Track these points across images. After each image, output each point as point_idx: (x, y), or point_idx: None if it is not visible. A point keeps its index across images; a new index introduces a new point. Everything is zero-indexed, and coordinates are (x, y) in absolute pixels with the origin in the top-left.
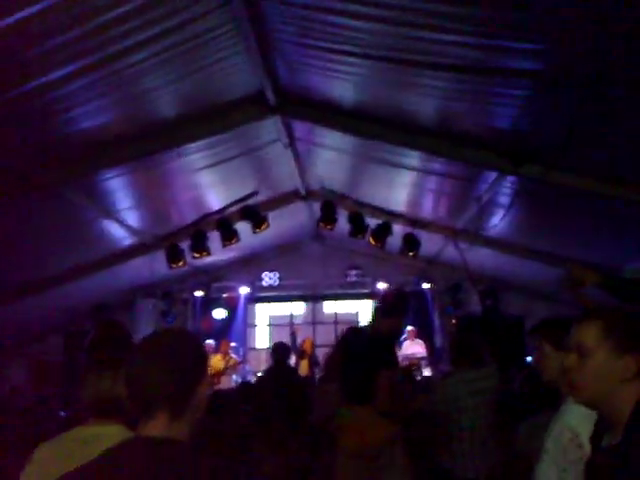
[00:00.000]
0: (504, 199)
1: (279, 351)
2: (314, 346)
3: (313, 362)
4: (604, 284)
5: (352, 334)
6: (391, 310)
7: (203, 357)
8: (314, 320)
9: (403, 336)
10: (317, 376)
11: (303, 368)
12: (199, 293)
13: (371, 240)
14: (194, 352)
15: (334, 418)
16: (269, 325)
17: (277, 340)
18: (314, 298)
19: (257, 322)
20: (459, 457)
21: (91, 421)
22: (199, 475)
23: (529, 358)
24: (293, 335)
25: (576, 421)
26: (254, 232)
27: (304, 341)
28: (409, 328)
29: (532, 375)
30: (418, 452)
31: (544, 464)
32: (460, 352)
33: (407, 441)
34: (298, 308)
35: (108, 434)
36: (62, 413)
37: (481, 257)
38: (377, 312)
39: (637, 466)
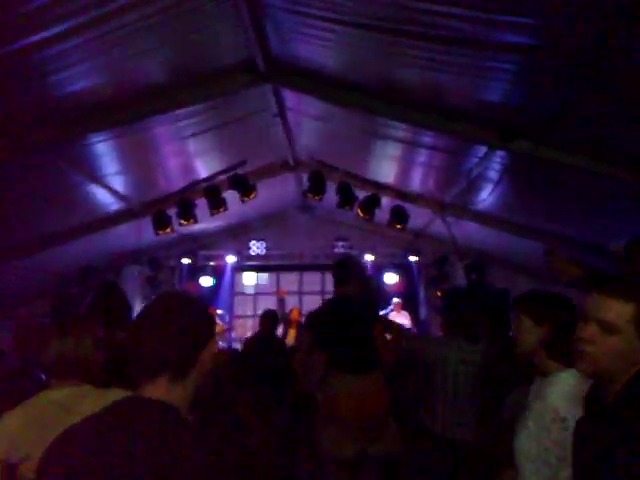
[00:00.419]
0: (493, 174)
1: (267, 318)
2: (302, 315)
3: (300, 331)
4: (585, 278)
5: (337, 304)
6: (343, 277)
7: (209, 322)
8: (300, 290)
9: (389, 307)
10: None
11: (291, 337)
12: (186, 260)
13: (359, 212)
14: (199, 316)
15: (326, 388)
16: (255, 293)
17: (263, 308)
18: (301, 268)
19: (243, 290)
20: (439, 418)
21: (55, 383)
22: (186, 442)
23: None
24: (281, 301)
25: (563, 404)
26: (242, 201)
27: (291, 310)
28: (395, 300)
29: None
30: (401, 409)
31: (524, 440)
32: (454, 323)
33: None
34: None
35: (80, 394)
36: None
37: (468, 231)
38: (335, 280)
39: (627, 424)
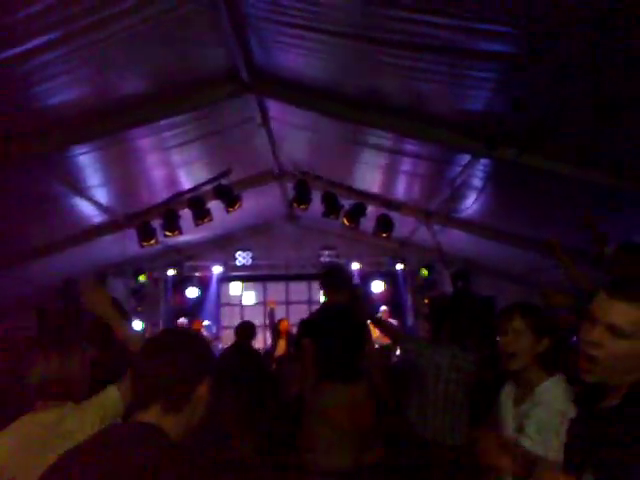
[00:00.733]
0: (477, 182)
1: (240, 330)
2: (291, 326)
3: (290, 342)
4: (576, 306)
5: (330, 311)
6: (334, 285)
7: (208, 359)
8: (287, 300)
9: (377, 315)
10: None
11: (281, 348)
12: (171, 272)
13: (345, 221)
14: (200, 352)
15: (317, 397)
16: (241, 304)
17: (249, 319)
18: (287, 278)
19: (230, 301)
20: (430, 423)
21: (40, 405)
22: (167, 464)
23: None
24: (271, 312)
25: (567, 406)
26: (227, 211)
27: (280, 322)
28: (383, 308)
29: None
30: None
31: (528, 449)
32: (441, 330)
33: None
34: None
35: (62, 413)
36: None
37: (453, 239)
38: (325, 288)
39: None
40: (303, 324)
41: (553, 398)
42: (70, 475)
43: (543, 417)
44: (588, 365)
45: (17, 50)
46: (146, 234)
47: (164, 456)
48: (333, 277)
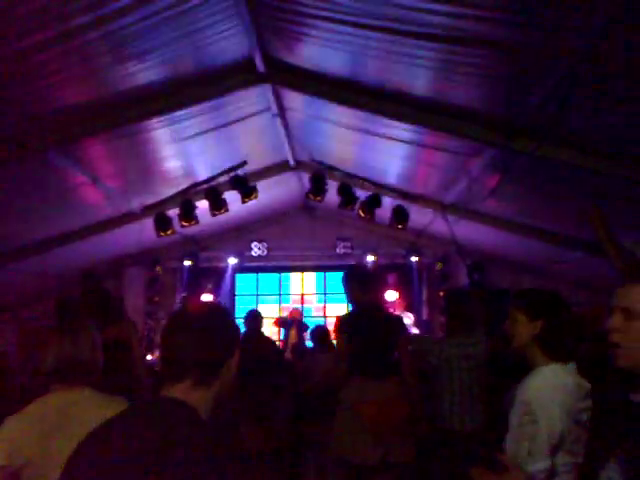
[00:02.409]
0: (494, 173)
1: (249, 319)
2: (301, 314)
3: (300, 329)
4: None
5: (368, 310)
6: (367, 286)
7: (237, 333)
8: (303, 291)
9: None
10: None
11: (292, 337)
12: (187, 262)
13: (360, 212)
14: (230, 327)
15: (348, 393)
16: (257, 295)
17: (265, 310)
18: (303, 269)
19: (245, 292)
20: (448, 413)
21: (56, 387)
22: (197, 441)
23: None
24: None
25: (534, 397)
26: (243, 202)
27: (290, 312)
28: (399, 301)
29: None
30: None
31: (508, 439)
32: (454, 321)
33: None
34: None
35: (80, 399)
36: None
37: (470, 231)
38: (356, 287)
39: None
40: (339, 320)
41: (527, 387)
42: (103, 453)
43: (517, 406)
44: (614, 352)
45: (35, 38)
46: (163, 224)
47: (195, 433)
48: (368, 278)
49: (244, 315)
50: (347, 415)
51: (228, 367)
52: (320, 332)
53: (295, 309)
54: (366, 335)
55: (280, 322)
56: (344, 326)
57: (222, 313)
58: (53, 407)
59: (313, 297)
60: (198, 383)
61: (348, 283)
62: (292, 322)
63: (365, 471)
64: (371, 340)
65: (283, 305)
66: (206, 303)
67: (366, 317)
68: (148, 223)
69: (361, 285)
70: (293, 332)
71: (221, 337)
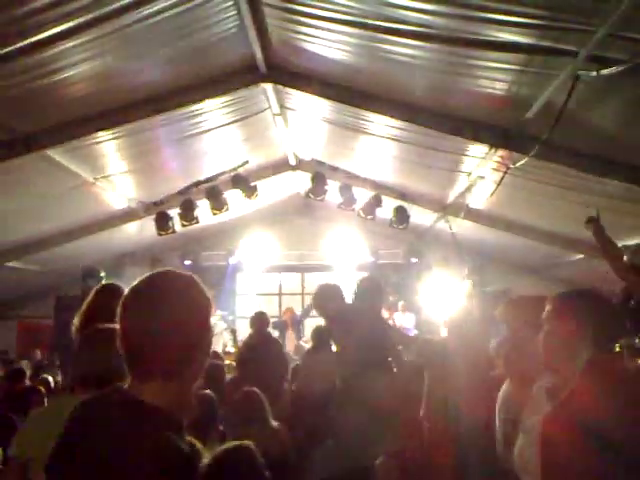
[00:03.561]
0: (495, 174)
1: (256, 320)
2: (294, 312)
3: (297, 328)
4: None
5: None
6: (368, 295)
7: (207, 310)
8: (303, 291)
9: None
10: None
11: (291, 339)
12: (188, 262)
13: (361, 212)
14: (198, 304)
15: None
16: (257, 294)
17: (265, 309)
18: (302, 269)
19: (245, 291)
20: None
21: (80, 390)
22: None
23: None
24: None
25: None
26: (244, 201)
27: (284, 312)
28: (400, 302)
29: None
30: None
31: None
32: None
33: None
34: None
35: None
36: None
37: (469, 231)
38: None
39: None
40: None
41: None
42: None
43: None
44: None
45: (38, 37)
46: (164, 223)
47: (138, 440)
48: (364, 289)
49: (250, 317)
50: (345, 413)
51: (199, 355)
52: (318, 332)
53: (288, 309)
54: (360, 336)
55: (275, 325)
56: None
57: (188, 288)
58: (67, 406)
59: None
60: (167, 379)
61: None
62: (285, 323)
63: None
64: (366, 341)
65: (283, 304)
66: (168, 274)
67: (361, 320)
68: (149, 222)
69: (361, 296)
70: (290, 333)
71: (189, 323)
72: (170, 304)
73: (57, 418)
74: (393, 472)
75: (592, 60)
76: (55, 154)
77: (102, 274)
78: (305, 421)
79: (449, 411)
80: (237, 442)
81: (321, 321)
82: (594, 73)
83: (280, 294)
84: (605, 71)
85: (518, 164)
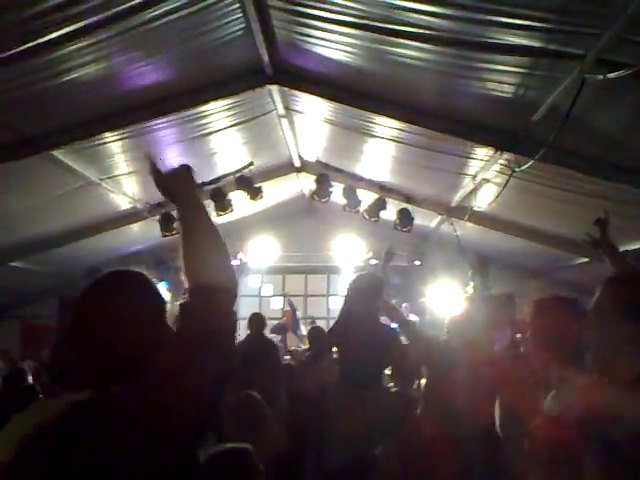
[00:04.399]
0: (500, 177)
1: (253, 322)
2: (293, 315)
3: (296, 330)
4: None
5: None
6: (367, 293)
7: (162, 307)
8: (306, 292)
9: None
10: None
11: (292, 341)
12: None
13: (365, 214)
14: (152, 301)
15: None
16: (260, 296)
17: (267, 310)
18: (307, 270)
19: (248, 292)
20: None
21: (58, 391)
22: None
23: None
24: (290, 303)
25: None
26: (249, 203)
27: (284, 314)
28: (404, 304)
29: None
30: None
31: None
32: None
33: None
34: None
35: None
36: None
37: (474, 234)
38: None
39: None
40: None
41: None
42: None
43: None
44: None
45: (47, 38)
46: (168, 224)
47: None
48: (361, 286)
49: (248, 318)
50: (332, 419)
51: (160, 359)
52: (314, 334)
53: (287, 311)
54: (354, 344)
55: (275, 330)
56: (334, 335)
57: (141, 283)
58: (52, 409)
59: (317, 299)
60: (111, 380)
61: (351, 290)
62: (285, 326)
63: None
64: (359, 349)
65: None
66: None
67: (356, 326)
68: (153, 222)
69: (358, 294)
70: (291, 337)
71: (141, 327)
72: (115, 304)
73: (25, 422)
74: (394, 459)
75: (599, 64)
76: (60, 155)
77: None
78: (301, 428)
79: (449, 412)
80: (233, 444)
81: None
82: (601, 77)
83: (284, 296)
84: (612, 75)
85: (523, 167)
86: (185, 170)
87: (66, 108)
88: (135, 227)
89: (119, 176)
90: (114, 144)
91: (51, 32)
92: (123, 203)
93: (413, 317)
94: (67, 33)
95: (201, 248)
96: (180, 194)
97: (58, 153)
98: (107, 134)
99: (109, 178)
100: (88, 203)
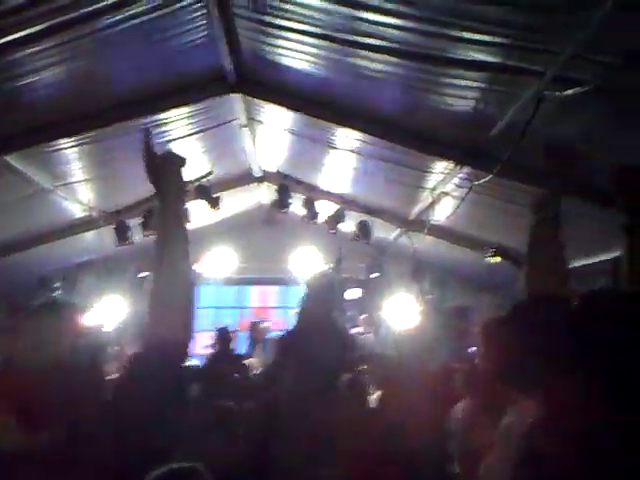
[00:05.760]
0: (458, 191)
1: (219, 338)
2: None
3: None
4: None
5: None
6: (322, 295)
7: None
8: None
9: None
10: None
11: (259, 355)
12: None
13: (324, 226)
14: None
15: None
16: (215, 308)
17: (223, 323)
18: (265, 282)
19: (204, 304)
20: None
21: None
22: None
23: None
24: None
25: None
26: (207, 212)
27: (254, 325)
28: (362, 316)
29: None
30: None
31: None
32: None
33: None
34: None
35: None
36: None
37: (432, 247)
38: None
39: None
40: (283, 339)
41: None
42: None
43: None
44: None
45: (3, 40)
46: (123, 233)
47: None
48: (317, 288)
49: (214, 333)
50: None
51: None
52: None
53: (255, 323)
54: (311, 353)
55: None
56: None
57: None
58: None
59: (273, 311)
60: None
61: (307, 297)
62: (254, 339)
63: None
64: (315, 358)
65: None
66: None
67: (312, 333)
68: (108, 231)
69: (314, 296)
70: (259, 350)
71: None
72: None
73: None
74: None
75: (557, 80)
76: (12, 159)
77: (57, 284)
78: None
79: (393, 428)
80: (185, 463)
81: None
82: (558, 93)
83: (240, 307)
84: (569, 91)
85: (482, 181)
86: (177, 159)
87: (21, 112)
88: (89, 235)
89: (74, 183)
90: (70, 150)
91: (7, 35)
92: (77, 211)
93: (370, 330)
94: (24, 36)
95: (170, 284)
96: (163, 182)
97: (10, 158)
98: (63, 140)
99: (64, 185)
100: (41, 210)
